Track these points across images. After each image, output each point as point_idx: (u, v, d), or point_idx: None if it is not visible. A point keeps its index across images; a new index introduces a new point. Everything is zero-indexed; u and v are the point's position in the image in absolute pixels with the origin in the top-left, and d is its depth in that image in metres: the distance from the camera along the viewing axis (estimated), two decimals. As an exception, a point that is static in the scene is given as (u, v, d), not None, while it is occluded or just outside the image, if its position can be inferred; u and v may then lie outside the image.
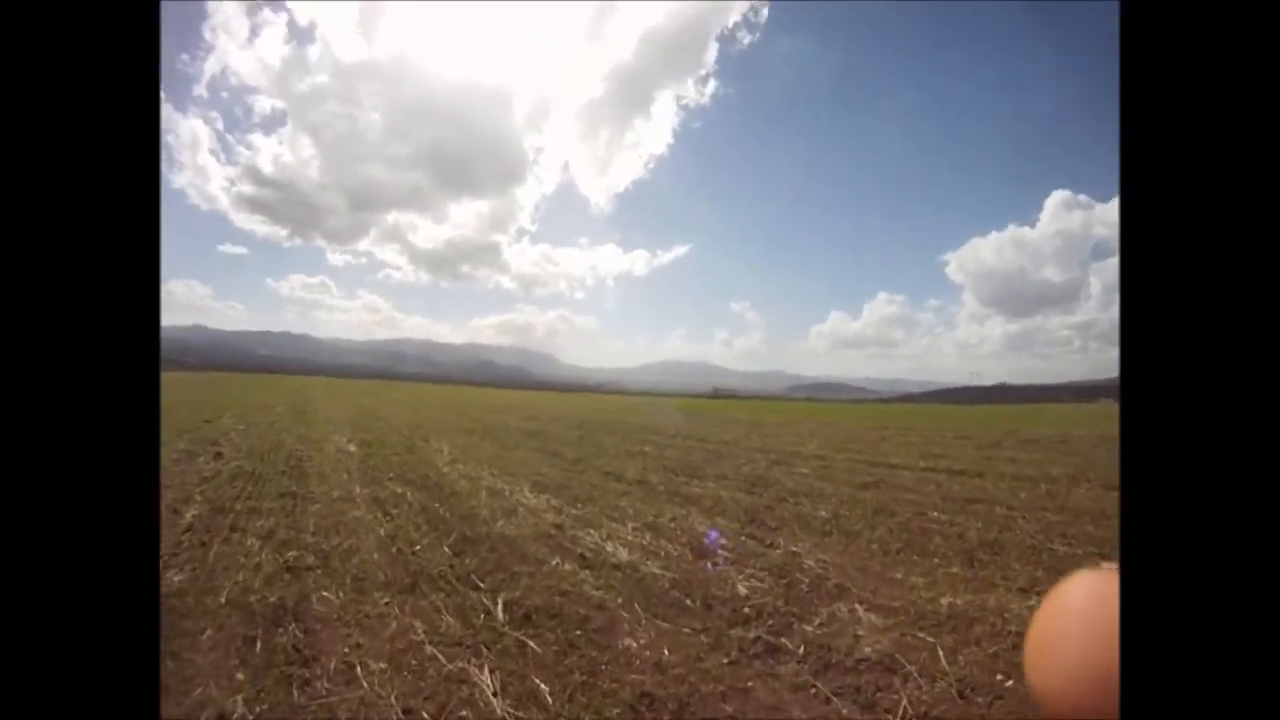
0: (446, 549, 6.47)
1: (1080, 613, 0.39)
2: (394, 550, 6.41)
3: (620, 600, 5.23)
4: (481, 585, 5.49)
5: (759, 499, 9.36)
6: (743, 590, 5.50)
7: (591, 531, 7.20)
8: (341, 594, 5.27)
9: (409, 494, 8.98)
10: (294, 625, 4.64)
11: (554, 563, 6.13)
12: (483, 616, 4.89)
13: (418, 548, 6.50)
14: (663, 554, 6.48)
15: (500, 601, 5.12)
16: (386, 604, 5.10)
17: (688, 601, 5.25)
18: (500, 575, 5.75)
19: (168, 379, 48.67)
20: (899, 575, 5.99)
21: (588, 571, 5.90)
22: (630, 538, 7.02)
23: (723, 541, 7.08)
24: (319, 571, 5.79)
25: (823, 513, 8.50)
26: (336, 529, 7.12)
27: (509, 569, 5.90)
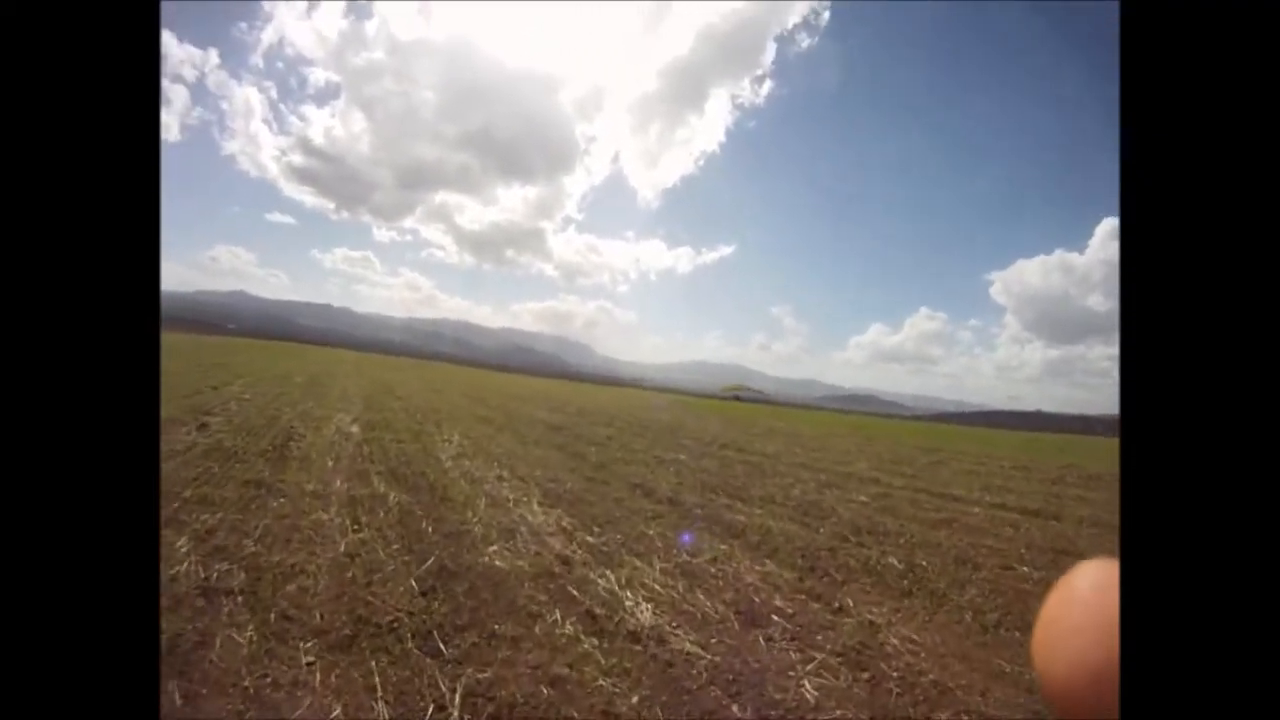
0: (414, 582, 4.90)
1: (1087, 603, 0.39)
2: (347, 576, 4.88)
3: (637, 698, 3.63)
4: (443, 650, 3.93)
5: (815, 535, 7.70)
6: (810, 694, 3.85)
7: (608, 573, 5.53)
8: (254, 639, 3.83)
9: (393, 495, 7.44)
10: (173, 683, 3.32)
11: (552, 619, 4.52)
12: (431, 707, 3.35)
13: (377, 576, 4.94)
14: (699, 617, 4.83)
15: (461, 684, 3.55)
16: (308, 665, 3.62)
17: (734, 709, 3.62)
18: (474, 636, 4.17)
19: (201, 343, 48.29)
20: (1005, 665, 4.47)
21: (595, 640, 4.27)
22: (658, 587, 5.34)
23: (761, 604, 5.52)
24: (240, 599, 4.35)
25: (894, 561, 6.83)
26: (290, 538, 5.63)
27: (488, 626, 4.32)
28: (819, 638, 4.64)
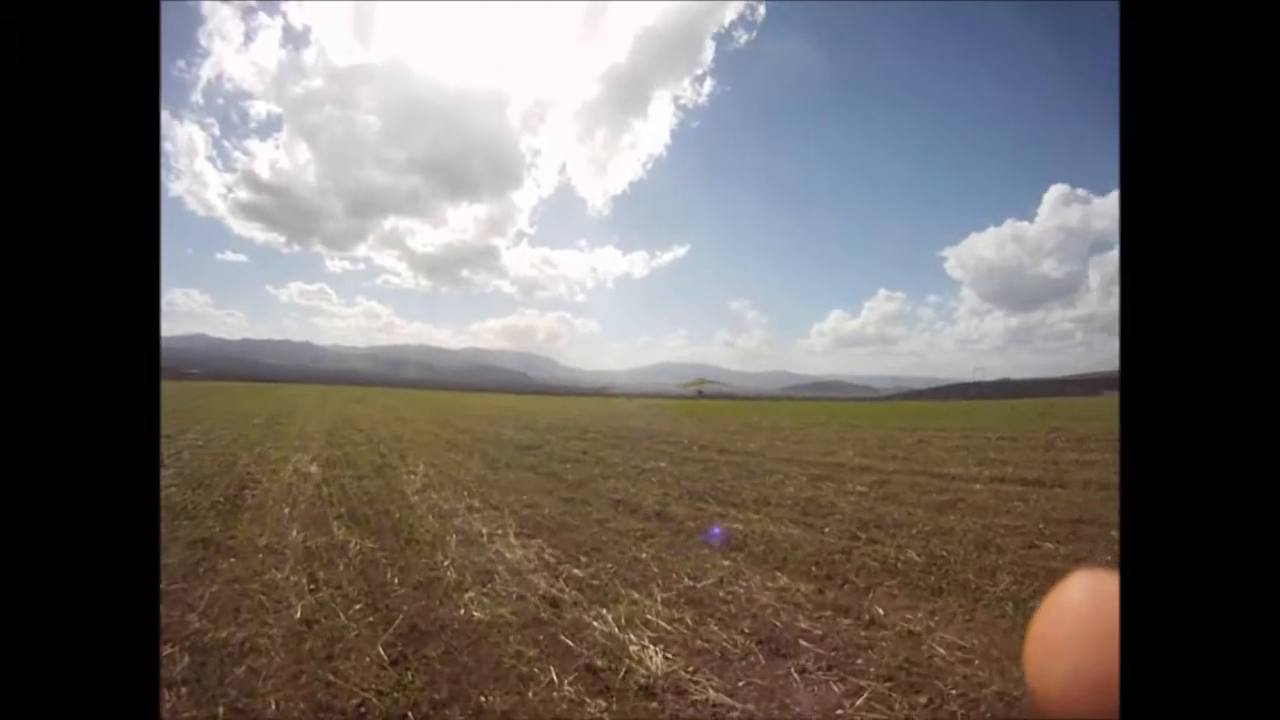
0: (381, 650, 4.17)
1: (1080, 614, 0.39)
2: (305, 649, 4.14)
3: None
4: (422, 742, 3.22)
5: (823, 536, 7.11)
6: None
7: (603, 613, 4.82)
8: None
9: (354, 542, 6.65)
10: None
11: (547, 679, 3.82)
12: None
13: (339, 647, 4.20)
14: (718, 655, 4.16)
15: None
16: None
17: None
18: (456, 712, 3.47)
19: (173, 389, 46.58)
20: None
21: (602, 701, 3.59)
22: (664, 623, 4.64)
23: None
24: (184, 691, 3.62)
25: (913, 555, 6.28)
26: (240, 606, 4.87)
27: (473, 698, 3.62)
28: (858, 661, 4.02)
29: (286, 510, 8.17)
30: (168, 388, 49.72)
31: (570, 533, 7.28)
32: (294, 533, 7.05)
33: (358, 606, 4.93)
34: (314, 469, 11.60)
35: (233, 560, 6.08)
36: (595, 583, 5.59)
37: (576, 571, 5.86)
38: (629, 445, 17.13)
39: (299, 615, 4.73)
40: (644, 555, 6.33)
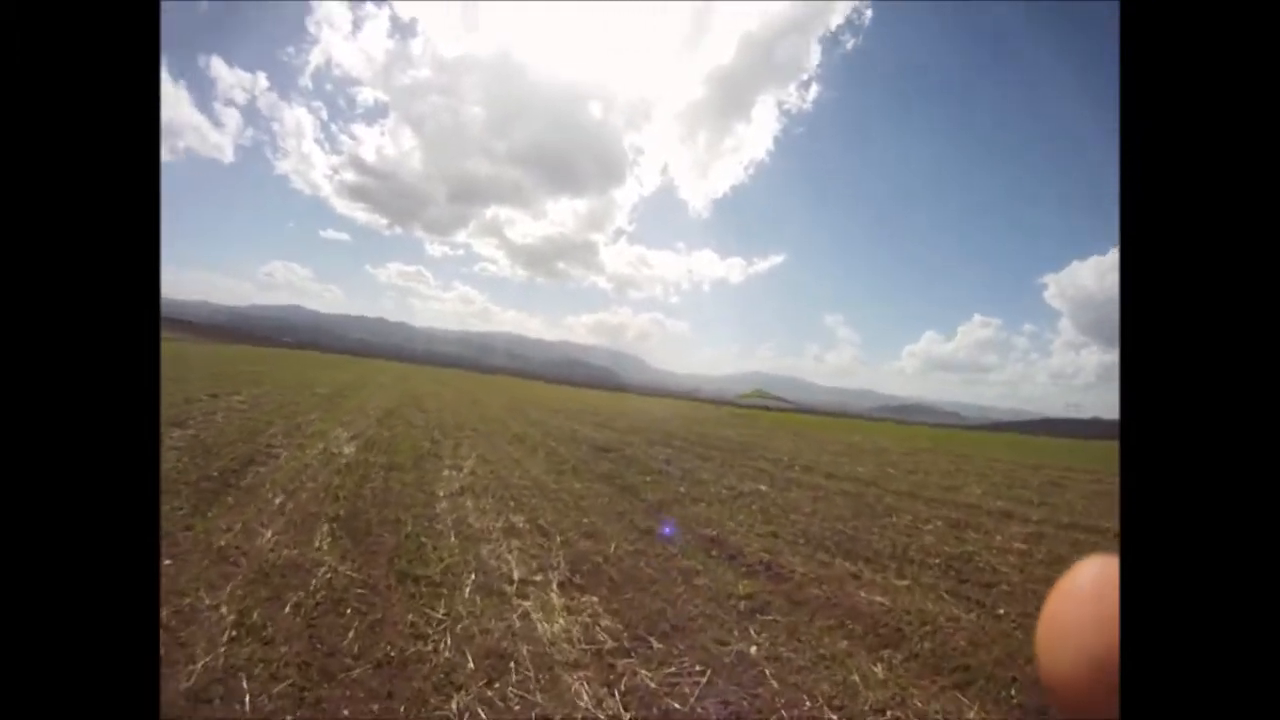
0: None
1: (1089, 599, 0.39)
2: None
3: None
4: None
5: (1002, 625, 4.88)
6: None
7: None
8: None
9: (329, 563, 4.73)
10: None
11: None
12: None
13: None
14: None
15: None
16: None
17: None
18: None
19: (243, 353, 46.66)
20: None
21: None
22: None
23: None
24: None
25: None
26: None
27: None
28: None
29: (279, 500, 6.38)
30: (249, 351, 49.79)
31: (641, 590, 5.01)
32: (266, 535, 5.26)
33: (284, 685, 3.02)
34: (348, 450, 9.83)
35: (168, 563, 4.45)
36: (671, 687, 3.48)
37: (645, 677, 3.62)
38: (720, 458, 14.40)
39: (198, 673, 2.92)
40: (752, 650, 4.05)
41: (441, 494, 7.49)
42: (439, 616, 4.03)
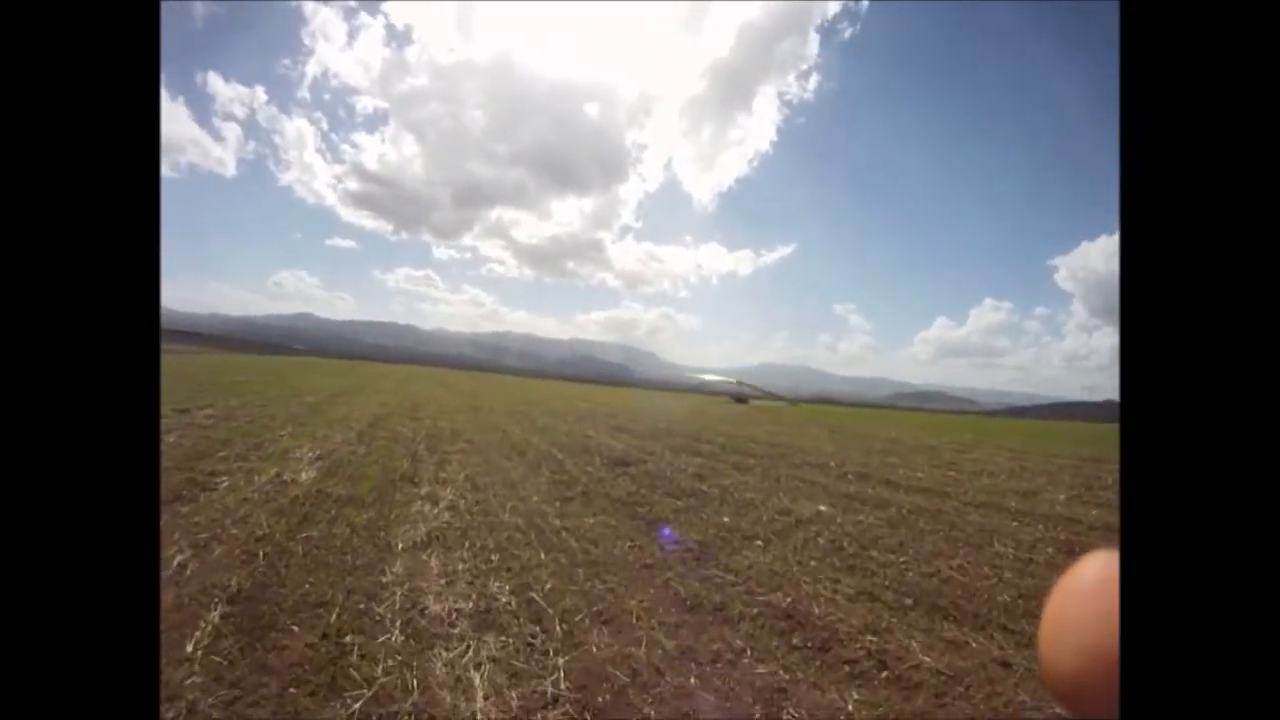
0: None
1: (1093, 595, 0.38)
2: None
3: None
4: None
5: None
6: None
7: None
8: None
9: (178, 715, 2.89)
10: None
11: None
12: None
13: None
14: None
15: None
16: None
17: None
18: None
19: (255, 362, 44.95)
20: None
21: None
22: None
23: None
24: None
25: None
26: None
27: None
28: None
29: (176, 562, 4.69)
30: (251, 360, 48.05)
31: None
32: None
33: None
34: (305, 475, 8.05)
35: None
36: None
37: None
38: (759, 467, 12.14)
39: None
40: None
41: (401, 545, 5.53)
42: None
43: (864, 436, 21.32)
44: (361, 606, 4.14)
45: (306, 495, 6.87)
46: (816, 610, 4.65)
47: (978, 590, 5.31)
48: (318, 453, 9.71)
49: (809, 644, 4.13)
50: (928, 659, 3.90)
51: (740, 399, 55.09)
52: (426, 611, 4.17)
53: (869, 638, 4.19)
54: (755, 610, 4.65)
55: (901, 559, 6.20)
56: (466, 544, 5.82)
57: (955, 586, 5.38)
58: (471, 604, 4.37)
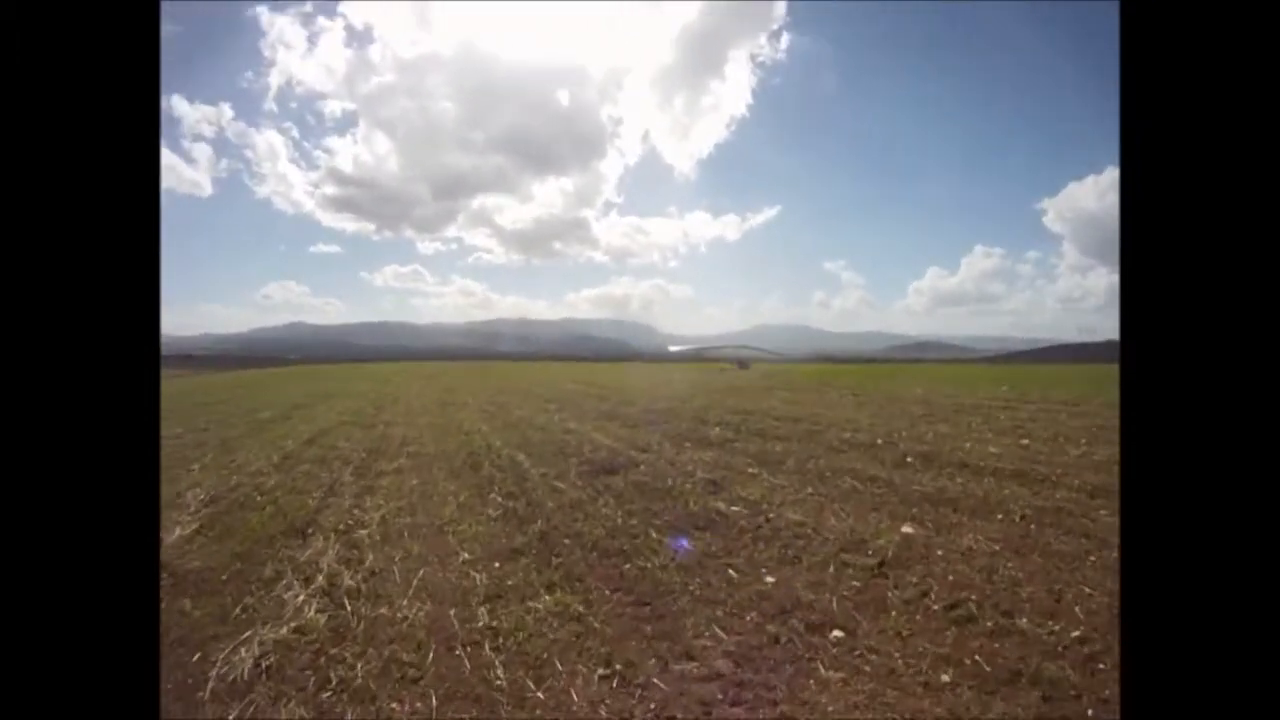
0: None
1: None
2: None
3: None
4: None
5: None
6: None
7: None
8: None
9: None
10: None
11: None
12: None
13: None
14: None
15: None
16: None
17: None
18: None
19: (236, 378, 44.06)
20: None
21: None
22: None
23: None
24: None
25: None
26: None
27: None
28: None
29: None
30: (233, 377, 45.71)
31: None
32: None
33: None
34: (173, 536, 6.32)
35: None
36: None
37: None
38: (790, 457, 9.43)
39: None
40: None
41: (211, 685, 3.47)
42: None
43: (893, 398, 18.48)
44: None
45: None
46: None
47: (1083, 639, 3.47)
48: (213, 494, 7.88)
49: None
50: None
51: (743, 364, 54.25)
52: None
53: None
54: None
55: (1071, 629, 3.78)
56: (312, 681, 3.54)
57: (1073, 641, 3.49)
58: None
